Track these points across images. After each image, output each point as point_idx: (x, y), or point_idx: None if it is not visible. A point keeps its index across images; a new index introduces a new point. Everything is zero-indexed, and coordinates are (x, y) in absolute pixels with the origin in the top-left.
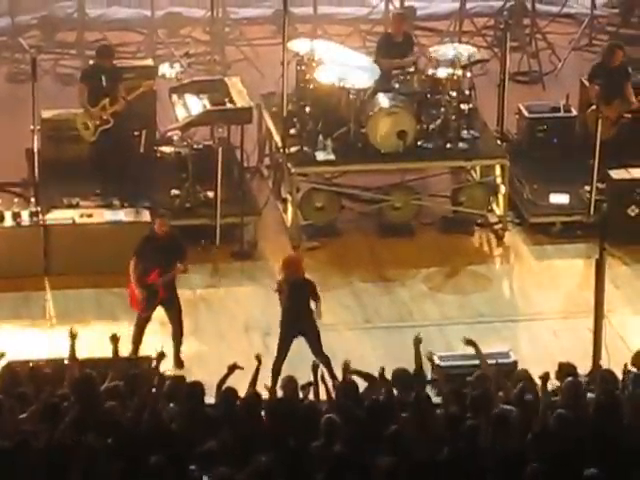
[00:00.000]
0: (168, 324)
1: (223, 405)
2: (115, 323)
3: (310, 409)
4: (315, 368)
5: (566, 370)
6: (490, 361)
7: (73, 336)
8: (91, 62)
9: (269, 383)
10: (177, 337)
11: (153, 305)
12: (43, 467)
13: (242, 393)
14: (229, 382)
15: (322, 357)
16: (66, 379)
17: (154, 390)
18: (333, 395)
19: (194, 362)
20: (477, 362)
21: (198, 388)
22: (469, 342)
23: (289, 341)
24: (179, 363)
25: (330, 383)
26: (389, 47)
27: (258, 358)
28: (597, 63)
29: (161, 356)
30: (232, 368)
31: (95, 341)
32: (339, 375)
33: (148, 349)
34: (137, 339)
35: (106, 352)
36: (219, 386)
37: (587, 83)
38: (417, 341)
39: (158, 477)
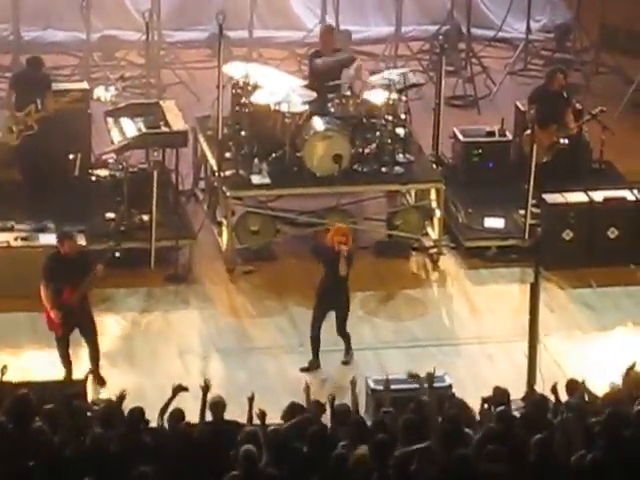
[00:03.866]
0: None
1: (168, 427)
2: (50, 347)
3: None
4: (250, 401)
5: (499, 396)
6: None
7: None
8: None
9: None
10: (94, 358)
11: (70, 325)
12: None
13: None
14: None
15: (343, 336)
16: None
17: (89, 414)
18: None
19: (128, 386)
20: (413, 386)
21: (137, 413)
22: (412, 376)
23: (322, 312)
24: (100, 381)
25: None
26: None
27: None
28: (537, 87)
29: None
30: (177, 390)
31: (29, 365)
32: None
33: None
34: (67, 362)
35: (40, 376)
36: (163, 410)
37: (522, 107)
38: (353, 384)
39: None
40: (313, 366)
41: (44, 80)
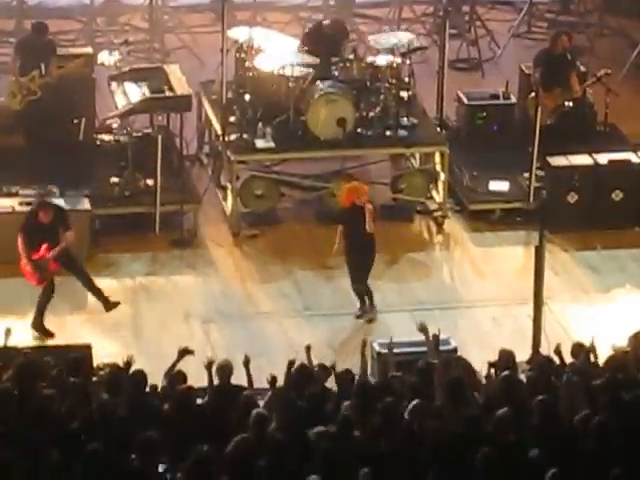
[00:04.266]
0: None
1: (169, 390)
2: (54, 312)
3: (242, 398)
4: (246, 363)
5: (504, 359)
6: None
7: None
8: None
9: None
10: (89, 285)
11: (48, 275)
12: None
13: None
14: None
15: (363, 285)
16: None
17: (94, 378)
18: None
19: (134, 350)
20: (417, 349)
21: (140, 376)
22: (422, 329)
23: (355, 264)
24: (108, 304)
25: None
26: (319, 37)
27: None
28: (542, 50)
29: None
30: (182, 353)
31: (31, 330)
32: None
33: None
34: (42, 303)
35: (44, 341)
36: (168, 373)
37: (526, 70)
38: (363, 345)
39: (95, 465)
40: (364, 312)
41: (48, 46)
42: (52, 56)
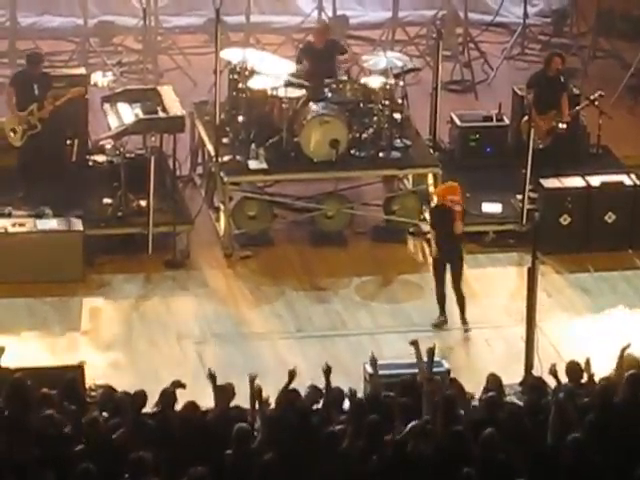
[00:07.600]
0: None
1: (160, 411)
2: (47, 332)
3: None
4: (252, 380)
5: (492, 383)
6: None
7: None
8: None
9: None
10: None
11: None
12: None
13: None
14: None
15: (458, 290)
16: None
17: (89, 399)
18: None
19: (127, 371)
20: (410, 371)
21: (140, 396)
22: (413, 343)
23: (441, 268)
24: None
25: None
26: (310, 54)
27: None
28: (536, 72)
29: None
30: (175, 385)
31: (27, 350)
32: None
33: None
34: None
35: (38, 361)
36: (157, 404)
37: (519, 92)
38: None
39: None
40: (441, 322)
41: (44, 79)
42: (47, 90)
